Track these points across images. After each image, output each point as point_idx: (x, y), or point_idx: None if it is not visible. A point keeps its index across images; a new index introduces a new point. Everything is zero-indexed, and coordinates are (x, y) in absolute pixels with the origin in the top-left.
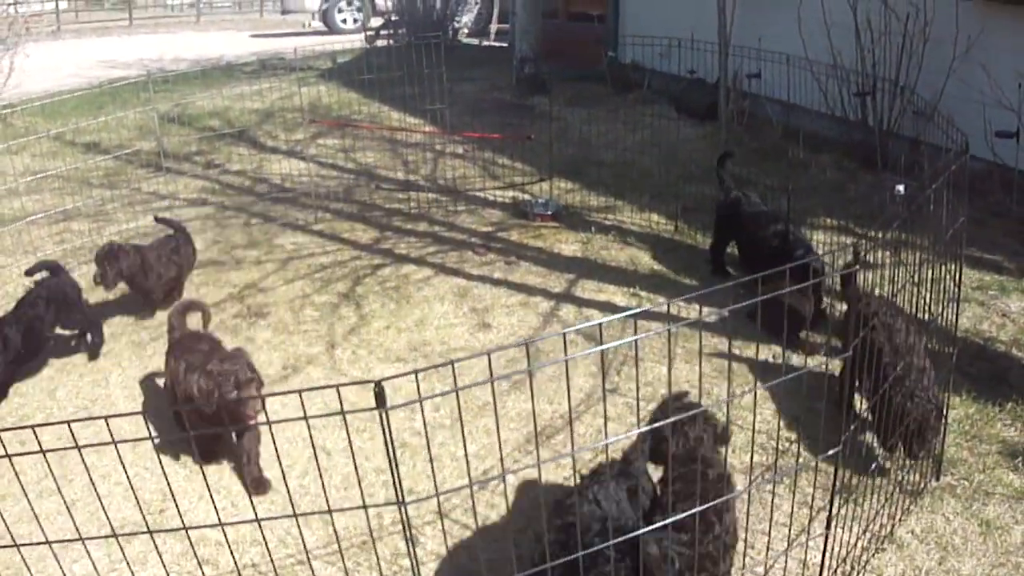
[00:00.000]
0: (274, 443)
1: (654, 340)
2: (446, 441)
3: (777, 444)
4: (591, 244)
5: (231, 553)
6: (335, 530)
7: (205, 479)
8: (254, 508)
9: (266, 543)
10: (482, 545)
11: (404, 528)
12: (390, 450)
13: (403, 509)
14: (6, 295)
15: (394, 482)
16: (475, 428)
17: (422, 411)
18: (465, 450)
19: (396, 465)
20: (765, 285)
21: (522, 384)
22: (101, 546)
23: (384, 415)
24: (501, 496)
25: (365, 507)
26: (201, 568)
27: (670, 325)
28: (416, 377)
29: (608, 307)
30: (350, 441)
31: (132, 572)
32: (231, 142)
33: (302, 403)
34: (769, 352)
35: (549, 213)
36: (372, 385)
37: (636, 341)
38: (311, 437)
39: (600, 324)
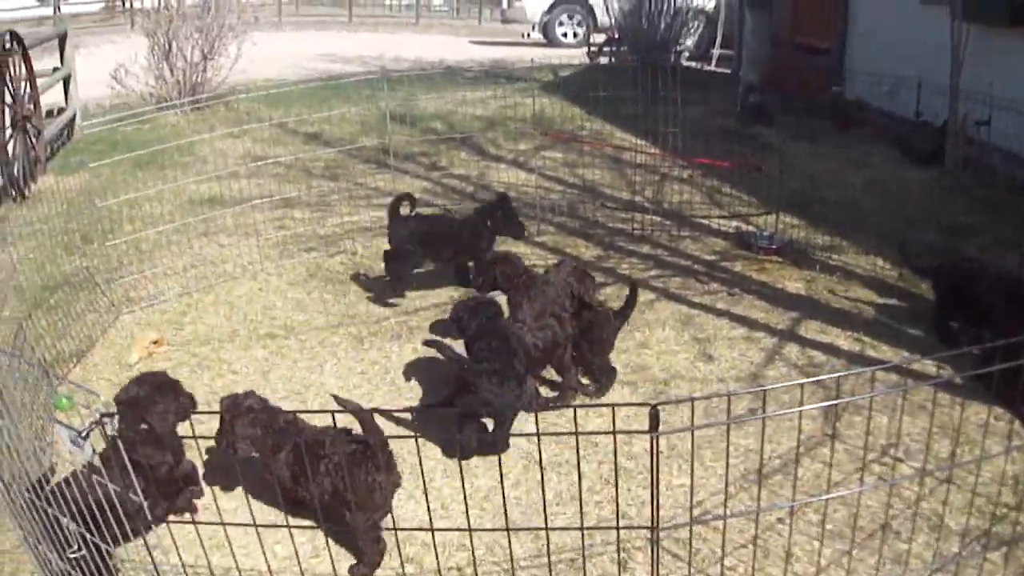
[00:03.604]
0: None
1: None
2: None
3: (995, 510)
4: (815, 283)
5: (436, 555)
6: (548, 545)
7: (423, 477)
8: (467, 515)
9: (473, 550)
10: None
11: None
12: (654, 473)
13: (655, 534)
14: (223, 273)
15: (653, 506)
16: (683, 462)
17: (692, 438)
18: (691, 480)
19: (657, 488)
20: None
21: (744, 423)
22: (305, 532)
23: (655, 439)
24: (716, 532)
25: (582, 529)
26: (403, 566)
27: (906, 384)
28: (692, 405)
29: (831, 349)
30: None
31: (333, 562)
32: (454, 146)
33: (575, 419)
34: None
35: (773, 247)
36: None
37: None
38: (540, 453)
39: (837, 377)
